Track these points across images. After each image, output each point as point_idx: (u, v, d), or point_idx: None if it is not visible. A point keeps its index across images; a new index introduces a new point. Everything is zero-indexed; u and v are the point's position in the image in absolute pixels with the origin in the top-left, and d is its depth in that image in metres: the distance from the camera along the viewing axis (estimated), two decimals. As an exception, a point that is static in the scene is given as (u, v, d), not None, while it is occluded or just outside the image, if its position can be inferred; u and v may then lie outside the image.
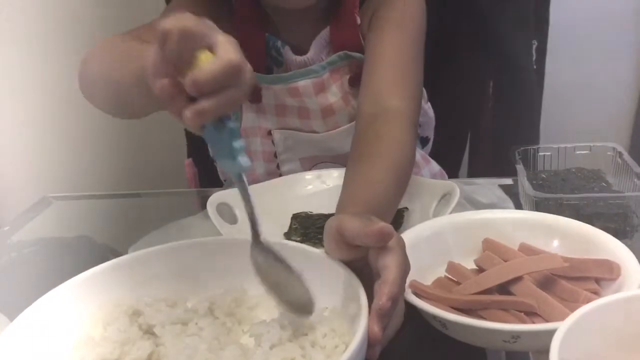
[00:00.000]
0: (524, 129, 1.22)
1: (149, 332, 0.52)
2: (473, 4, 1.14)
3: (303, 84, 0.81)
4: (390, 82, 0.75)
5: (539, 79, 1.23)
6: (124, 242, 0.77)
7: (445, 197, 0.71)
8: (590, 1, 1.38)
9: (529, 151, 0.74)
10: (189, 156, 1.13)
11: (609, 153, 0.71)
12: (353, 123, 0.80)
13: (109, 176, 1.38)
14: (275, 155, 0.87)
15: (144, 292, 0.55)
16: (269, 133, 0.85)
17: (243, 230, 0.71)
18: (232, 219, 0.74)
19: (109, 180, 1.38)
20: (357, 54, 0.82)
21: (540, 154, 0.73)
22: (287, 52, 0.82)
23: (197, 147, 1.11)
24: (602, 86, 1.43)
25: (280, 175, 0.87)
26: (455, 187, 0.70)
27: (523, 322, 0.52)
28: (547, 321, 0.52)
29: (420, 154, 0.94)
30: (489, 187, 0.83)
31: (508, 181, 0.85)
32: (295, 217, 0.73)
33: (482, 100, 1.25)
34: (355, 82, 0.82)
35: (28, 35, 1.39)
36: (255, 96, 0.83)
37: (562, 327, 0.43)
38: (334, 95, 0.83)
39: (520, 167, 0.70)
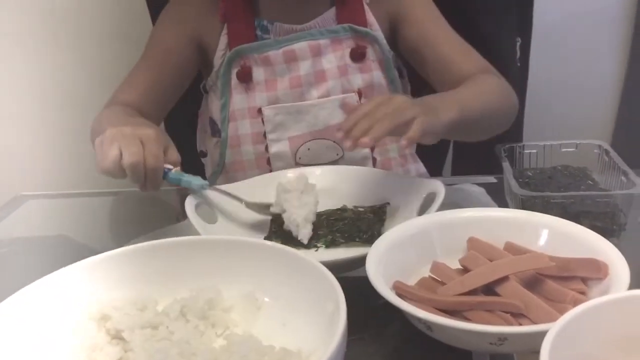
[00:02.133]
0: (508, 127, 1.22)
1: (117, 337, 0.50)
2: (457, 1, 1.12)
3: (299, 45, 0.83)
4: (467, 59, 0.83)
5: (522, 76, 1.22)
6: (101, 241, 0.74)
7: (429, 195, 0.69)
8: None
9: (515, 149, 0.72)
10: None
11: (595, 151, 0.70)
12: (345, 95, 0.85)
13: (87, 174, 1.35)
14: (265, 136, 0.86)
15: (113, 294, 0.53)
16: (259, 111, 0.85)
17: (223, 230, 0.70)
18: (212, 218, 0.72)
19: (87, 177, 1.34)
20: (362, 28, 0.85)
21: (526, 151, 0.72)
22: (280, 26, 0.85)
23: (179, 144, 1.08)
24: (585, 83, 1.43)
25: (269, 159, 0.87)
26: (440, 185, 0.68)
27: (509, 323, 0.50)
28: (533, 322, 0.50)
29: (410, 152, 0.94)
30: (472, 190, 0.81)
31: (491, 179, 0.83)
32: (274, 221, 0.71)
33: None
34: (357, 56, 0.85)
35: (3, 32, 1.36)
36: (245, 76, 0.85)
37: (552, 330, 0.41)
38: (329, 62, 0.85)
39: (506, 165, 0.69)
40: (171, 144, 0.71)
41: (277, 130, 0.86)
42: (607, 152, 0.69)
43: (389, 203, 0.72)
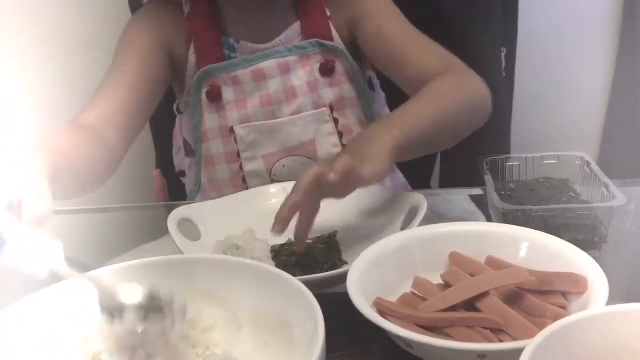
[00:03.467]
0: (495, 137, 1.22)
1: (96, 359, 0.50)
2: (441, 11, 1.13)
3: (267, 64, 0.82)
4: (427, 56, 0.80)
5: (508, 86, 1.22)
6: (87, 259, 0.74)
7: (413, 210, 0.69)
8: (559, 9, 1.39)
9: (498, 161, 0.72)
10: (157, 167, 1.10)
11: (577, 162, 0.70)
12: (318, 110, 0.84)
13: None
14: (238, 155, 0.85)
15: (92, 315, 0.52)
16: (231, 131, 0.84)
17: (206, 247, 0.69)
18: (197, 235, 0.72)
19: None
20: (330, 43, 0.84)
21: (508, 164, 0.72)
22: (246, 45, 0.84)
23: (166, 158, 1.08)
24: (571, 93, 1.44)
25: (244, 177, 0.86)
26: (423, 200, 0.68)
27: (490, 340, 0.50)
28: (514, 338, 0.50)
29: None
30: (458, 201, 0.82)
31: (478, 191, 0.83)
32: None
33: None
34: (326, 71, 0.84)
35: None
36: (215, 96, 0.83)
37: (529, 347, 0.41)
38: (299, 79, 0.84)
39: (488, 178, 0.69)
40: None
41: (250, 149, 0.85)
42: (588, 164, 0.69)
43: (336, 231, 0.70)
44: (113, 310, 0.48)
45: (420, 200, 0.69)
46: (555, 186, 0.68)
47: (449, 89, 0.76)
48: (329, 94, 0.85)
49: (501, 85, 1.20)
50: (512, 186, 0.70)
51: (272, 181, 0.85)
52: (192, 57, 0.84)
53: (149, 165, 1.13)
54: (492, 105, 1.19)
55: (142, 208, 1.00)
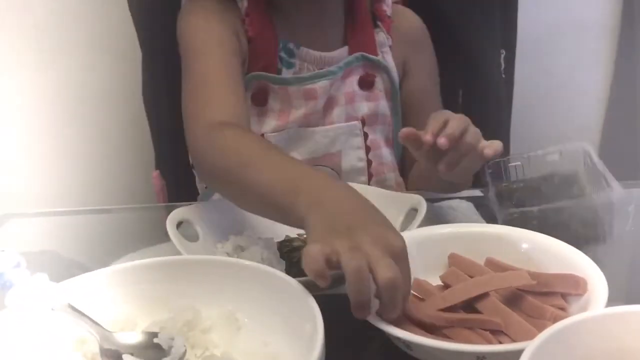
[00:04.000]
0: (494, 138, 1.22)
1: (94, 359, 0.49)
2: (440, 13, 1.13)
3: (321, 84, 0.81)
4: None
5: (507, 88, 1.22)
6: (87, 260, 0.74)
7: (411, 211, 0.69)
8: (558, 10, 1.39)
9: (499, 164, 0.72)
10: (157, 168, 1.09)
11: (579, 153, 0.70)
12: (350, 123, 0.83)
13: (74, 190, 1.34)
14: None
15: (90, 316, 0.52)
16: (262, 135, 0.82)
17: (205, 249, 0.69)
18: (195, 236, 0.72)
19: (74, 194, 1.34)
20: (375, 58, 0.84)
21: (511, 164, 0.72)
22: (307, 52, 0.82)
23: (165, 158, 1.07)
24: (570, 95, 1.44)
25: None
26: (422, 200, 0.68)
27: (489, 341, 0.50)
28: (513, 340, 0.50)
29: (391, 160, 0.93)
30: (459, 207, 0.81)
31: (477, 193, 0.83)
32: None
33: (451, 110, 1.24)
34: (364, 84, 0.84)
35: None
36: (261, 100, 0.81)
37: (528, 348, 0.41)
38: (338, 90, 0.83)
39: (489, 181, 0.69)
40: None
41: None
42: (589, 155, 0.69)
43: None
44: (112, 353, 0.49)
45: (419, 201, 0.69)
46: (560, 182, 0.67)
47: None
48: (364, 107, 0.85)
49: (500, 86, 1.20)
50: (515, 187, 0.69)
51: None
52: (246, 55, 0.81)
53: (149, 166, 1.13)
54: (490, 107, 1.20)
55: (141, 209, 1.00)
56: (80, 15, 1.33)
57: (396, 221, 0.69)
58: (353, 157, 0.85)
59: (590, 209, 0.63)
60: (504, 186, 0.70)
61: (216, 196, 0.83)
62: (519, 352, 0.41)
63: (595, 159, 0.69)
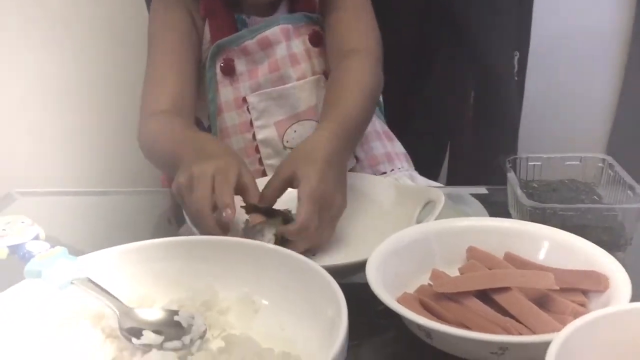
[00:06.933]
0: (504, 139, 1.22)
1: (112, 335, 0.49)
2: (455, 15, 1.13)
3: (271, 31, 0.86)
4: (352, 29, 0.85)
5: (519, 90, 1.23)
6: (92, 241, 0.73)
7: (429, 203, 0.69)
8: (571, 16, 1.39)
9: (518, 160, 0.72)
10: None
11: (599, 164, 0.70)
12: (316, 77, 0.88)
13: (82, 173, 1.34)
14: (251, 124, 0.87)
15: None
16: (244, 100, 0.87)
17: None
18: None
19: (81, 177, 1.34)
20: (314, 15, 0.88)
21: (530, 163, 0.71)
22: (254, 19, 0.87)
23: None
24: (580, 99, 1.44)
25: (257, 146, 0.88)
26: (440, 194, 0.68)
27: (508, 332, 0.50)
28: (533, 332, 0.50)
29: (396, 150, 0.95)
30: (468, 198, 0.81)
31: (483, 190, 0.82)
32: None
33: (463, 110, 1.24)
34: (314, 40, 0.88)
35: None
36: (229, 69, 0.86)
37: (556, 340, 0.41)
38: (297, 47, 0.87)
39: (511, 176, 0.69)
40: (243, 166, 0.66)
41: (262, 117, 0.87)
42: (611, 166, 0.69)
43: (290, 210, 0.67)
44: (132, 330, 0.48)
45: (437, 194, 0.68)
46: (579, 188, 0.68)
47: (364, 76, 0.80)
48: (321, 62, 0.89)
49: (512, 88, 1.20)
50: (535, 185, 0.69)
51: (284, 148, 0.87)
52: (207, 34, 0.87)
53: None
54: (502, 108, 1.21)
55: (145, 193, 1.00)
56: (91, 3, 1.33)
57: (414, 213, 0.69)
58: None
59: (612, 214, 0.63)
60: (522, 183, 0.70)
61: None
62: (542, 344, 0.41)
63: (619, 169, 0.69)
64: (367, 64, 0.82)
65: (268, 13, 0.88)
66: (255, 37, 0.86)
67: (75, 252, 0.69)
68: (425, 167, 1.02)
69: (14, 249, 0.49)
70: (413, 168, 0.94)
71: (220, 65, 0.86)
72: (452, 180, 1.22)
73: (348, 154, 0.76)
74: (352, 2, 0.87)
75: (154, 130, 0.78)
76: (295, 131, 0.88)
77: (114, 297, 0.49)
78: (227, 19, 0.87)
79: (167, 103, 0.80)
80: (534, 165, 0.71)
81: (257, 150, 0.88)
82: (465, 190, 0.83)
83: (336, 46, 0.85)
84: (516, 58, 1.20)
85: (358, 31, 0.86)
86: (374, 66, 0.83)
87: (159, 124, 0.79)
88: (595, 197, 0.68)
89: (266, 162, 0.88)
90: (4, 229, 0.51)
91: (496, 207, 0.75)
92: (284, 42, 0.86)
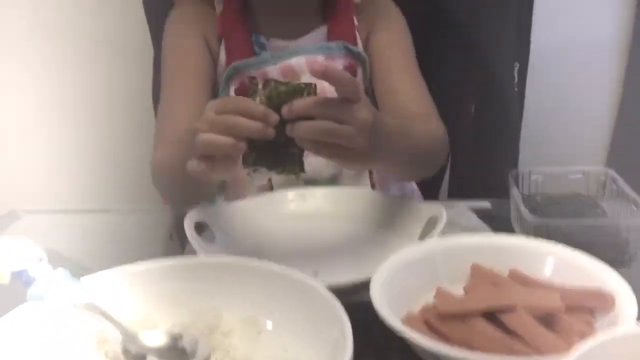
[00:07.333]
0: (504, 150, 1.22)
1: (115, 359, 0.48)
2: (455, 25, 1.13)
3: (296, 60, 0.81)
4: (415, 97, 0.82)
5: (519, 101, 1.22)
6: (94, 260, 0.72)
7: (431, 220, 0.68)
8: (572, 27, 1.40)
9: (520, 174, 0.72)
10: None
11: (602, 178, 0.70)
12: None
13: (83, 191, 1.34)
14: None
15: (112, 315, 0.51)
16: None
17: (221, 249, 0.68)
18: (210, 237, 0.71)
19: (83, 195, 1.33)
20: (356, 49, 0.84)
21: (533, 177, 0.71)
22: (275, 42, 0.83)
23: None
24: (580, 110, 1.44)
25: None
26: (442, 210, 0.67)
27: (515, 354, 0.49)
28: (539, 353, 0.49)
29: None
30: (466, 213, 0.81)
31: (486, 205, 0.82)
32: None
33: (463, 122, 1.24)
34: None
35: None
36: (244, 92, 0.81)
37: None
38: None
39: (515, 190, 0.68)
40: None
41: None
42: (614, 180, 0.69)
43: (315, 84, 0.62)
44: (136, 355, 0.48)
45: (439, 211, 0.68)
46: (582, 202, 0.67)
47: (426, 131, 0.77)
48: None
49: (513, 99, 1.20)
50: (538, 199, 0.69)
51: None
52: (222, 55, 0.84)
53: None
54: (502, 119, 1.20)
55: (146, 211, 0.99)
56: (93, 15, 1.33)
57: (416, 231, 0.69)
58: None
59: (616, 230, 0.62)
60: (526, 197, 0.70)
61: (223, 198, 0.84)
62: (552, 366, 0.40)
63: (622, 183, 0.69)
64: (433, 124, 0.80)
65: (292, 36, 0.84)
66: (278, 63, 0.82)
67: (79, 270, 0.69)
68: (426, 179, 1.02)
69: (17, 274, 0.48)
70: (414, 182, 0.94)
71: (235, 88, 0.83)
72: (454, 192, 1.22)
73: (387, 137, 0.65)
74: (409, 64, 0.84)
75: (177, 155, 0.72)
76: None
77: (117, 321, 0.49)
78: (244, 41, 0.83)
79: (180, 133, 0.76)
80: (537, 178, 0.71)
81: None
82: (468, 205, 0.82)
83: (397, 111, 0.80)
84: (516, 69, 1.20)
85: (422, 98, 0.83)
86: (439, 128, 0.80)
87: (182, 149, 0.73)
88: (598, 210, 0.67)
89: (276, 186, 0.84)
90: (6, 252, 0.51)
91: (499, 221, 0.74)
92: (308, 74, 0.81)
